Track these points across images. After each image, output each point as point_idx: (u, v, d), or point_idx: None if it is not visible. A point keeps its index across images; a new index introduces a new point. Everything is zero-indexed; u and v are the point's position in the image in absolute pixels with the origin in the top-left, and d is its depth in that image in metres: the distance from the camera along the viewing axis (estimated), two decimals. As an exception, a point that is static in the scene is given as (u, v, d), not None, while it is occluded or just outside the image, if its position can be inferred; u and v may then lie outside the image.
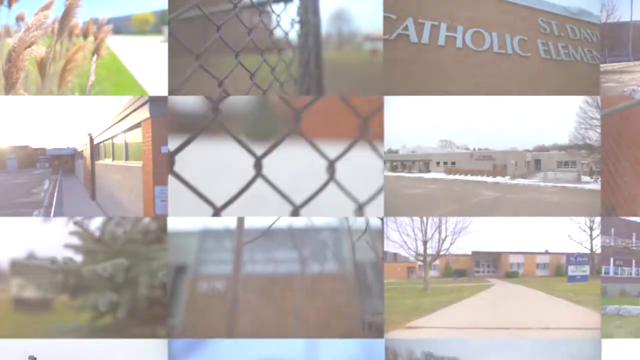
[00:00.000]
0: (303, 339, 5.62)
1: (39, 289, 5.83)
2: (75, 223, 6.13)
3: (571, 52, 7.63)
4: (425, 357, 6.12)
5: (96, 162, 9.29)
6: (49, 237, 6.01)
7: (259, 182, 3.05)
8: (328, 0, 6.18)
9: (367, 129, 3.45)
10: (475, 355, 6.25)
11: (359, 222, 5.95)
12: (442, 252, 7.39)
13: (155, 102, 6.66)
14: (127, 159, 7.97)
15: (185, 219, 6.03)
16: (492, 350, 6.24)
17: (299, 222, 6.23)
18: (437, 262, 7.81)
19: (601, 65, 6.75)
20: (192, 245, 6.70)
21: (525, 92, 6.75)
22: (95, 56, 6.42)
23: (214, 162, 7.92)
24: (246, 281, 5.76)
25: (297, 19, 5.58)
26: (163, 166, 6.89)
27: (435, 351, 6.18)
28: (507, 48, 6.79)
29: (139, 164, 7.46)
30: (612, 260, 6.74)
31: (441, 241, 7.23)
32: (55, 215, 6.64)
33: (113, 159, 8.59)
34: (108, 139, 8.79)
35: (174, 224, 5.98)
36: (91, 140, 9.06)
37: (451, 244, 7.26)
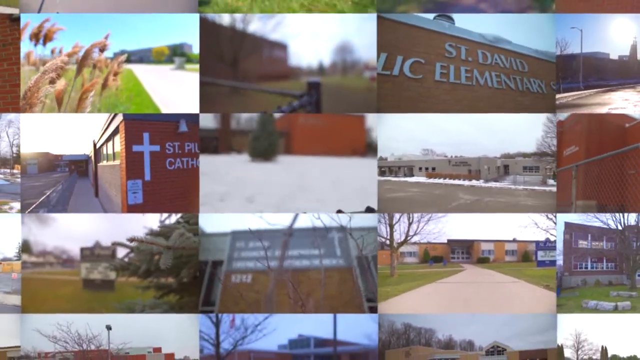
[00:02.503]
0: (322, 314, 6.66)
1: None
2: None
3: (475, 75, 7.93)
4: (405, 328, 7.01)
5: (98, 165, 10.19)
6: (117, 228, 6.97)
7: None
8: (334, 35, 7.12)
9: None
10: (448, 327, 7.15)
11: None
12: (409, 238, 7.73)
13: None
14: (114, 159, 8.79)
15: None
16: (461, 323, 7.10)
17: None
18: (416, 249, 8.37)
19: (557, 95, 7.25)
20: (227, 244, 7.74)
21: (404, 110, 6.96)
22: (102, 93, 7.30)
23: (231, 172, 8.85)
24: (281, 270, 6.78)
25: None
26: (134, 163, 7.84)
27: (413, 323, 7.05)
28: (393, 69, 6.99)
29: (118, 162, 8.34)
30: (589, 258, 7.88)
31: (409, 225, 7.61)
32: (54, 211, 7.17)
33: (107, 161, 9.50)
34: (104, 144, 9.66)
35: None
36: (94, 145, 9.98)
37: (417, 231, 7.65)
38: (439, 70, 7.34)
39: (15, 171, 6.89)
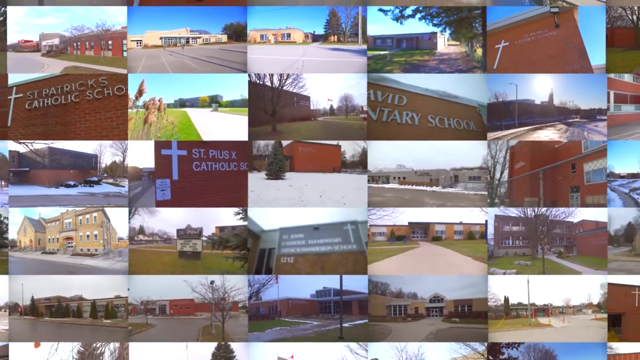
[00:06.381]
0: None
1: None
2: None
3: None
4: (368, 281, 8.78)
5: (157, 171, 11.70)
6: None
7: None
8: (340, 87, 9.33)
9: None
10: (402, 283, 9.03)
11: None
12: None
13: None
14: (157, 165, 9.84)
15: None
16: (413, 281, 8.98)
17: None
18: (385, 230, 9.67)
19: (500, 133, 8.89)
20: (276, 236, 9.99)
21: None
22: (145, 124, 9.17)
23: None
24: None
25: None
26: (163, 164, 8.73)
27: (372, 279, 8.85)
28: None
29: (157, 166, 9.51)
30: (510, 237, 9.81)
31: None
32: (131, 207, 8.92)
33: (159, 166, 10.85)
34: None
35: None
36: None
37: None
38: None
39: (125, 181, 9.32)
